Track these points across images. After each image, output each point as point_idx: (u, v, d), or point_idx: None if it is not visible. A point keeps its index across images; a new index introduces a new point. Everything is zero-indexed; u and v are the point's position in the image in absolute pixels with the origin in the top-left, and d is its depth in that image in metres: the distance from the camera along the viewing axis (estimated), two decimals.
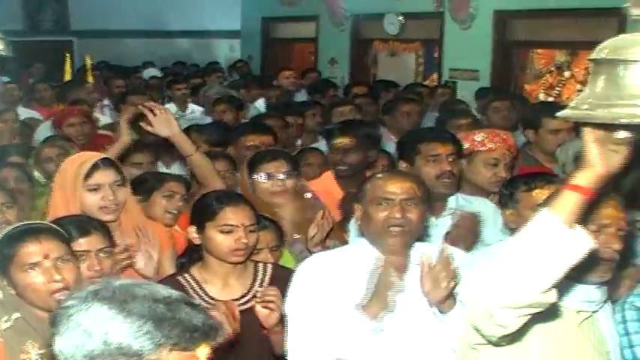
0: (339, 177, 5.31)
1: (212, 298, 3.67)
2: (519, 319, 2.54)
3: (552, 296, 2.50)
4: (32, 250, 3.14)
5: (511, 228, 3.85)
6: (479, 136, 4.87)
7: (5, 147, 6.43)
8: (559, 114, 2.44)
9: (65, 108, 8.38)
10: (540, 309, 2.54)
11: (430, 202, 4.28)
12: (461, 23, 11.64)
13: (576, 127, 5.56)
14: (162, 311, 1.95)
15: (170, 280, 3.70)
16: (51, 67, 13.10)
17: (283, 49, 16.40)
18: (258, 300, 3.59)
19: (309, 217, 4.36)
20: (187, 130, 5.59)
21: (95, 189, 4.07)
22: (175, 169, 6.10)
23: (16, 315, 3.16)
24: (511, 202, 3.89)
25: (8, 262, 3.15)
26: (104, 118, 9.04)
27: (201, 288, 3.73)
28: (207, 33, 16.72)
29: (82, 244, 3.54)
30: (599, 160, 2.43)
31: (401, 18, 12.77)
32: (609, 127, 2.37)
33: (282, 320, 3.55)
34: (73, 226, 3.57)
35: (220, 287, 3.75)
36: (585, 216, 2.57)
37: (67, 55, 11.36)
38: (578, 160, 4.87)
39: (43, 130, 7.62)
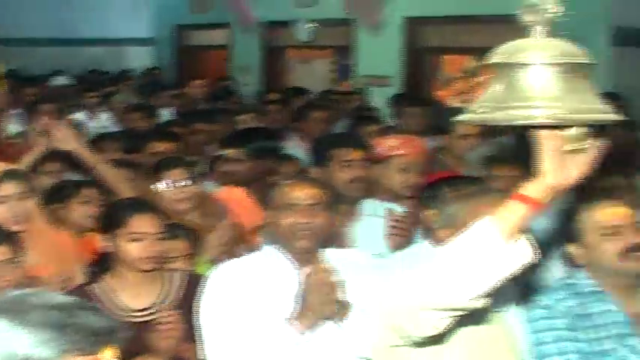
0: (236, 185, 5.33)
1: (123, 307, 3.66)
2: (447, 321, 2.52)
3: (482, 302, 2.44)
4: None
5: (431, 228, 3.87)
6: (392, 142, 4.91)
7: None
8: (459, 118, 2.45)
9: None
10: (467, 312, 2.52)
11: (344, 206, 4.36)
12: (372, 30, 11.70)
13: (487, 132, 5.68)
14: (61, 318, 1.94)
15: (78, 291, 3.67)
16: None
17: (196, 56, 16.33)
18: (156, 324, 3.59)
19: (216, 223, 4.38)
20: (101, 138, 5.56)
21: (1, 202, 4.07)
22: None
23: None
24: (434, 203, 3.91)
25: None
26: (13, 127, 8.91)
27: (111, 297, 3.71)
28: (120, 41, 16.62)
29: None
30: (552, 170, 2.31)
31: (312, 25, 12.80)
32: (571, 137, 2.32)
33: (192, 333, 3.54)
34: None
35: (131, 296, 3.73)
36: None
37: None
38: (486, 163, 5.00)
39: None
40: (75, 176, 5.81)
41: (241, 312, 3.35)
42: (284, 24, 13.30)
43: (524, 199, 2.33)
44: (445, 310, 2.46)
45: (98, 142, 6.19)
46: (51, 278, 4.04)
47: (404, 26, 11.41)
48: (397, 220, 4.44)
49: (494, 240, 2.34)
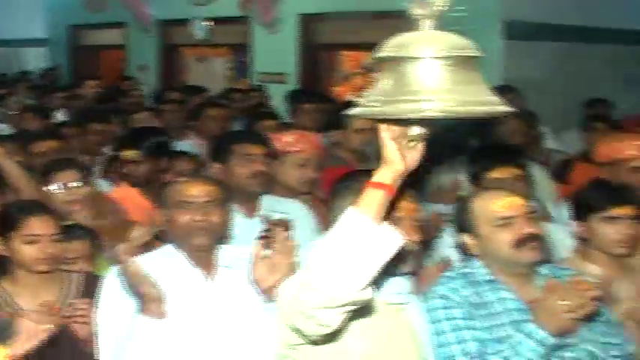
0: (135, 185, 5.30)
1: (23, 310, 3.58)
2: (340, 317, 2.54)
3: (368, 293, 2.51)
4: None
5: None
6: (289, 138, 4.96)
7: None
8: (349, 112, 2.47)
9: None
10: (357, 306, 2.55)
11: (244, 202, 4.36)
12: (267, 27, 11.71)
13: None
14: None
15: None
16: None
17: (93, 56, 16.14)
18: (67, 315, 3.55)
19: (111, 223, 4.35)
20: None
21: None
22: None
23: None
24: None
25: None
26: None
27: (10, 300, 3.68)
28: (14, 42, 16.33)
29: None
30: (396, 157, 2.47)
31: (208, 23, 12.75)
32: (405, 123, 2.42)
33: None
34: None
35: (30, 298, 3.69)
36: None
37: None
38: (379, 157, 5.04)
39: None
40: None
41: (133, 314, 3.33)
42: (180, 22, 13.24)
43: (379, 185, 2.49)
44: (334, 307, 2.50)
45: None
46: None
47: (299, 23, 11.44)
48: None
49: (366, 227, 2.46)
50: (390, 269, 2.91)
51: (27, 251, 3.69)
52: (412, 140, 2.46)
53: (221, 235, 3.57)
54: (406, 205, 3.01)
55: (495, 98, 2.35)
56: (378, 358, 3.00)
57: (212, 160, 4.81)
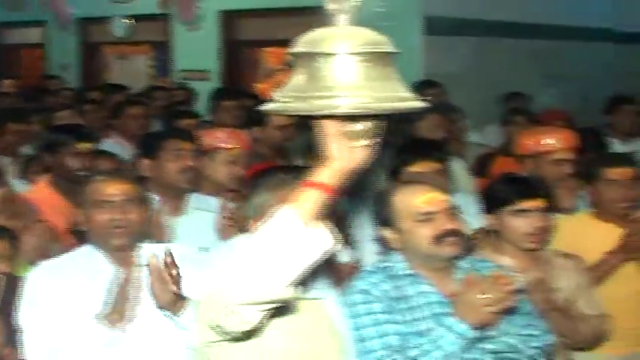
0: (54, 183, 5.22)
1: None
2: (261, 314, 2.51)
3: (292, 291, 2.45)
4: None
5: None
6: (219, 135, 5.03)
7: None
8: (263, 108, 2.45)
9: None
10: (280, 304, 2.53)
11: (172, 199, 4.35)
12: (188, 24, 11.67)
13: (303, 123, 5.73)
14: None
15: None
16: None
17: (11, 55, 15.87)
18: None
19: (26, 223, 4.31)
20: None
21: None
22: None
23: None
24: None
25: None
26: None
27: None
28: None
29: None
30: (338, 154, 2.37)
31: (128, 21, 12.65)
32: (349, 120, 2.35)
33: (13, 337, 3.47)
34: None
35: None
36: None
37: None
38: (307, 154, 5.04)
39: None
40: None
41: (58, 313, 3.31)
42: (100, 20, 13.13)
43: (317, 185, 2.39)
44: (256, 303, 2.46)
45: None
46: None
47: (220, 20, 11.41)
48: (230, 213, 4.48)
49: (295, 227, 2.38)
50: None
51: None
52: (356, 138, 2.37)
53: (140, 234, 3.54)
54: None
55: (410, 94, 2.34)
56: (297, 354, 3.00)
57: (141, 156, 4.80)
